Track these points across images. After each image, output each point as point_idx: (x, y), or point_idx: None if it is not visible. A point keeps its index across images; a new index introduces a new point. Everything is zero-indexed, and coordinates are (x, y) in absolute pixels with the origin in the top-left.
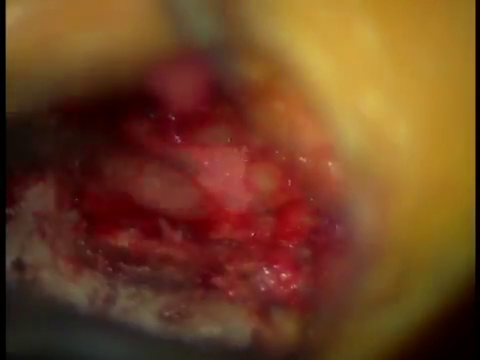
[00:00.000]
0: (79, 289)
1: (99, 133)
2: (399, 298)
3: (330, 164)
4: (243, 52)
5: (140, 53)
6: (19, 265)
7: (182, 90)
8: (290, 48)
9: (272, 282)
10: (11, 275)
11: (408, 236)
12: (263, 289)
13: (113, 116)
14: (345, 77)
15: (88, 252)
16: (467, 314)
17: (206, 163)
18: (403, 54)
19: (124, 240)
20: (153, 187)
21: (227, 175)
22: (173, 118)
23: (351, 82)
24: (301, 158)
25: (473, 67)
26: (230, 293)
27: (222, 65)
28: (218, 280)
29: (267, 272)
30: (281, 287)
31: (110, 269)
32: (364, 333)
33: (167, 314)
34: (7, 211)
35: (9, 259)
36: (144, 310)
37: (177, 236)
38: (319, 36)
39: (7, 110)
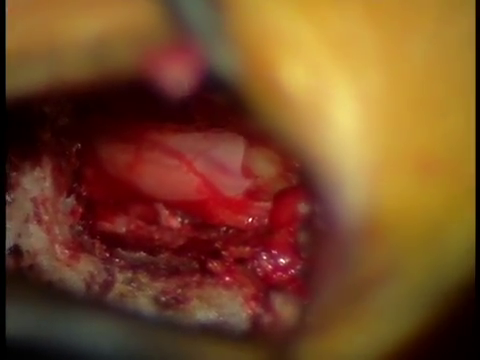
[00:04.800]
0: (76, 274)
1: (96, 119)
2: (395, 278)
3: (322, 146)
4: (238, 37)
5: (136, 39)
6: (16, 251)
7: (179, 76)
8: (286, 33)
9: (269, 267)
10: (8, 261)
11: (402, 214)
12: (260, 274)
13: (110, 102)
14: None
15: (85, 237)
16: (466, 294)
17: (203, 149)
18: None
19: (121, 225)
20: (150, 173)
21: (224, 161)
22: (170, 104)
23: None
24: (296, 143)
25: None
26: (227, 278)
27: (217, 50)
28: (215, 265)
29: (264, 257)
30: (278, 272)
31: (107, 254)
32: (360, 314)
33: (163, 299)
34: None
35: (6, 245)
36: (141, 295)
37: (174, 221)
38: (315, 21)
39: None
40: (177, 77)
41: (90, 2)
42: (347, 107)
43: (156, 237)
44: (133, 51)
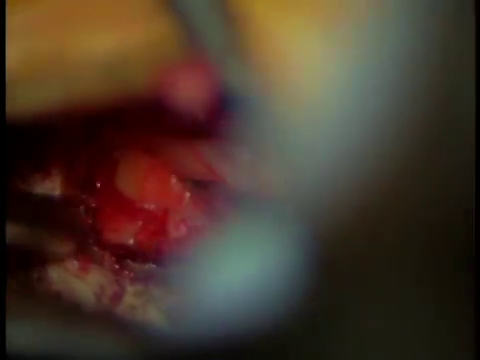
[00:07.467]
0: (85, 286)
1: (106, 131)
2: None
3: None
4: (252, 55)
5: (151, 55)
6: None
7: (192, 92)
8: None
9: None
10: (17, 272)
11: None
12: None
13: (122, 116)
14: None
15: (95, 249)
16: None
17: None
18: None
19: (131, 237)
20: (160, 186)
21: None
22: (182, 119)
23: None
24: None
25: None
26: None
27: (231, 67)
28: None
29: None
30: None
31: (117, 266)
32: None
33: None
34: None
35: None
36: (151, 308)
37: (183, 233)
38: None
39: (16, 109)
40: (191, 93)
41: (105, 20)
42: None
43: (165, 248)
44: (147, 68)
